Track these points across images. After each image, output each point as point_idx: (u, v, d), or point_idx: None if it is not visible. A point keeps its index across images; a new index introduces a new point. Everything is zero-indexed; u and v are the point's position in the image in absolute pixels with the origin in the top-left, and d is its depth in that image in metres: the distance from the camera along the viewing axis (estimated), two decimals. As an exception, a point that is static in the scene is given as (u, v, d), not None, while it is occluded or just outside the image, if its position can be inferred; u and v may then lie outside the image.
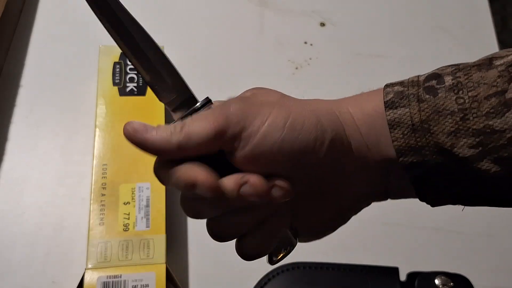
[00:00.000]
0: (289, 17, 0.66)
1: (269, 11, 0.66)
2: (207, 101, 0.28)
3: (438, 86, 0.25)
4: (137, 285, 0.42)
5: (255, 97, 0.28)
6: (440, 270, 0.43)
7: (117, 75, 0.53)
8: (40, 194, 0.50)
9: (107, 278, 0.42)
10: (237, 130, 0.25)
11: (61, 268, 0.46)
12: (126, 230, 0.44)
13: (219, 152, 0.26)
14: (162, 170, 0.27)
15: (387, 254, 0.50)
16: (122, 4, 0.28)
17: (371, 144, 0.27)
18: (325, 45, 0.64)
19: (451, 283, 0.42)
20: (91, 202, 0.45)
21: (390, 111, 0.26)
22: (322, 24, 0.66)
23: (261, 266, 0.44)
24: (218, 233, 0.27)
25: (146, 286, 0.42)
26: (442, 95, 0.25)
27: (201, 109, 0.27)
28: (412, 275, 0.44)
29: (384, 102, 0.26)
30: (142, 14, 0.68)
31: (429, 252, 0.50)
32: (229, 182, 0.24)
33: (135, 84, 0.52)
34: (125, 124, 0.26)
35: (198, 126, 0.25)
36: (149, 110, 0.51)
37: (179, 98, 0.29)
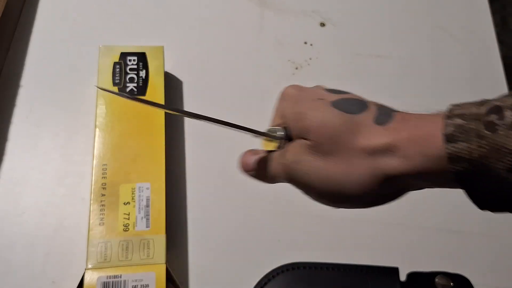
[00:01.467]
0: (289, 17, 0.66)
1: (269, 11, 0.66)
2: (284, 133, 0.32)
3: (498, 122, 0.25)
4: (137, 285, 0.42)
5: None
6: (440, 270, 0.43)
7: (117, 75, 0.53)
8: (40, 194, 0.50)
9: (107, 278, 0.42)
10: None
11: (61, 268, 0.46)
12: (126, 230, 0.44)
13: None
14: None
15: (387, 254, 0.50)
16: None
17: (427, 177, 0.27)
18: (325, 45, 0.64)
19: (451, 283, 0.42)
20: (91, 202, 0.45)
21: (450, 145, 0.26)
22: (322, 24, 0.66)
23: (261, 266, 0.44)
24: None
25: (146, 286, 0.42)
26: (502, 133, 0.24)
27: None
28: (412, 275, 0.44)
29: (444, 134, 0.26)
30: (142, 14, 0.69)
31: (429, 252, 0.50)
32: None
33: (135, 84, 0.52)
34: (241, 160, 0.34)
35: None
36: (149, 110, 0.51)
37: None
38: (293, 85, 0.34)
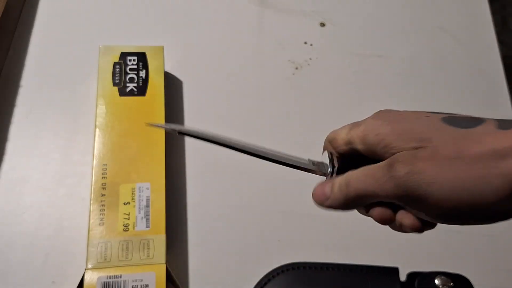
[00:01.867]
0: (289, 17, 0.66)
1: (269, 11, 0.66)
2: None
3: None
4: (137, 285, 0.42)
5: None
6: (440, 270, 0.43)
7: (117, 75, 0.53)
8: (40, 194, 0.50)
9: (107, 278, 0.42)
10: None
11: (61, 268, 0.46)
12: (126, 230, 0.44)
13: None
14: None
15: (387, 254, 0.50)
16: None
17: None
18: (325, 45, 0.64)
19: (451, 283, 0.42)
20: (91, 202, 0.45)
21: None
22: (322, 24, 0.66)
23: (261, 266, 0.44)
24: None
25: (146, 286, 0.42)
26: None
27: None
28: (412, 275, 0.44)
29: None
30: (143, 14, 0.69)
31: (429, 252, 0.50)
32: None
33: (135, 84, 0.52)
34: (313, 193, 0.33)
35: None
36: (149, 110, 0.51)
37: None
38: (382, 110, 0.32)
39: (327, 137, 0.35)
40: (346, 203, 0.31)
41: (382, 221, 0.31)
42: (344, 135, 0.32)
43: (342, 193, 0.30)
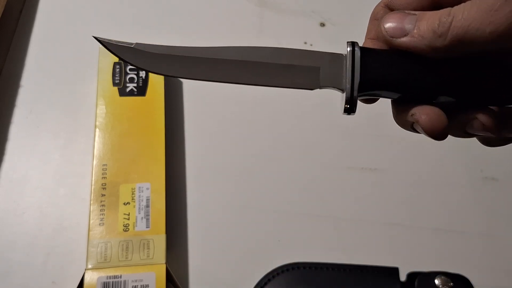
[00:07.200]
0: (289, 17, 0.66)
1: (269, 11, 0.66)
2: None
3: None
4: (137, 285, 0.42)
5: None
6: (440, 270, 0.43)
7: (117, 75, 0.53)
8: (40, 194, 0.50)
9: (107, 278, 0.42)
10: None
11: (61, 268, 0.46)
12: (126, 231, 0.44)
13: None
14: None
15: (387, 254, 0.50)
16: None
17: None
18: (325, 45, 0.64)
19: (451, 283, 0.42)
20: (91, 202, 0.45)
21: None
22: (322, 24, 0.66)
23: (261, 266, 0.44)
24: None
25: (146, 287, 0.42)
26: None
27: None
28: (412, 275, 0.44)
29: None
30: (142, 14, 0.69)
31: (429, 252, 0.50)
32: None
33: (135, 85, 0.52)
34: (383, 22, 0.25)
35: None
36: (149, 110, 0.51)
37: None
38: None
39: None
40: (433, 45, 0.24)
41: (433, 124, 0.24)
42: None
43: (432, 29, 0.23)
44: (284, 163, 0.54)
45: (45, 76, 0.57)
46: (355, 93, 0.26)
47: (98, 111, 0.50)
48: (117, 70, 0.53)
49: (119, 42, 0.26)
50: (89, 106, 0.52)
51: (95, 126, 0.49)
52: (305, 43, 0.64)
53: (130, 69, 0.53)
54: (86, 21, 0.62)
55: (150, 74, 0.53)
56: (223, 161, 0.54)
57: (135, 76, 0.53)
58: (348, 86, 0.26)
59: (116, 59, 0.53)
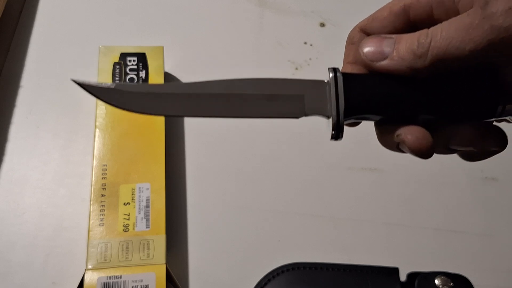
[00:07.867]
0: (289, 17, 0.66)
1: (269, 11, 0.66)
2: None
3: None
4: (137, 286, 0.42)
5: None
6: (440, 270, 0.43)
7: (117, 75, 0.53)
8: (40, 194, 0.50)
9: (107, 278, 0.42)
10: None
11: (61, 268, 0.46)
12: (126, 231, 0.44)
13: None
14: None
15: (387, 254, 0.50)
16: None
17: None
18: (325, 45, 0.64)
19: (451, 283, 0.42)
20: (91, 202, 0.45)
21: None
22: (322, 24, 0.66)
23: (261, 266, 0.44)
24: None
25: (146, 287, 0.42)
26: None
27: None
28: (412, 275, 0.44)
29: None
30: (142, 14, 0.69)
31: (429, 252, 0.50)
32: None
33: (135, 84, 0.52)
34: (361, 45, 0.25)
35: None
36: (149, 110, 0.51)
37: None
38: None
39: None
40: (413, 66, 0.24)
41: (420, 143, 0.25)
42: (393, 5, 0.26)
43: (412, 51, 0.24)
44: (284, 163, 0.54)
45: (45, 76, 0.57)
46: (341, 119, 0.26)
47: (98, 112, 0.50)
48: (117, 70, 0.53)
49: (100, 84, 0.26)
50: (89, 106, 0.52)
51: (95, 127, 0.49)
52: (305, 43, 0.64)
53: (130, 70, 0.53)
54: (86, 21, 0.62)
55: (151, 75, 0.53)
56: (223, 161, 0.54)
57: (135, 77, 0.53)
58: (334, 113, 0.26)
59: (116, 59, 0.53)
